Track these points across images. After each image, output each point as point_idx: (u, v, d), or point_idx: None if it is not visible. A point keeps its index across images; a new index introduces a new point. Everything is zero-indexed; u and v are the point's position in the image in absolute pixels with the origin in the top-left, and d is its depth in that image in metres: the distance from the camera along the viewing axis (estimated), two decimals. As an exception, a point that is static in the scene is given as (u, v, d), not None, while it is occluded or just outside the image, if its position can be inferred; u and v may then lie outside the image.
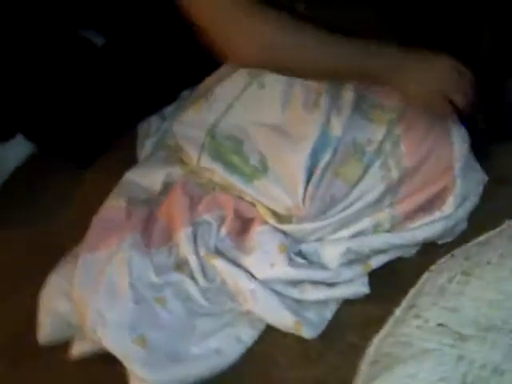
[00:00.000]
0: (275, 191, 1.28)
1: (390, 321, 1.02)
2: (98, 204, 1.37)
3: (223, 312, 1.26)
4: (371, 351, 1.00)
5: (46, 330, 1.26)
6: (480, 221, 1.31)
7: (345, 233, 1.28)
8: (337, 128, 1.29)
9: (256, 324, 1.24)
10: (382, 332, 1.01)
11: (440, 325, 0.97)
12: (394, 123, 1.29)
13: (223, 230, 1.29)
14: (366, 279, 1.26)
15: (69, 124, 1.48)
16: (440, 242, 1.29)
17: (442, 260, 1.07)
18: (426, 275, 1.06)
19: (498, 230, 1.07)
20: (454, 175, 1.28)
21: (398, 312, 1.03)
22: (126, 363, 1.17)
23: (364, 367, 0.99)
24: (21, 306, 1.31)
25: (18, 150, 1.53)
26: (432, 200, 1.28)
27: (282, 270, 1.23)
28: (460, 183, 1.28)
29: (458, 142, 1.29)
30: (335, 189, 1.27)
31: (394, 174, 1.27)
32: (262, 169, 1.30)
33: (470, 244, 1.07)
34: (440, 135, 1.30)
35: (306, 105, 1.33)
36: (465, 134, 1.32)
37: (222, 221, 1.31)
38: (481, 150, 1.38)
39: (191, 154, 1.36)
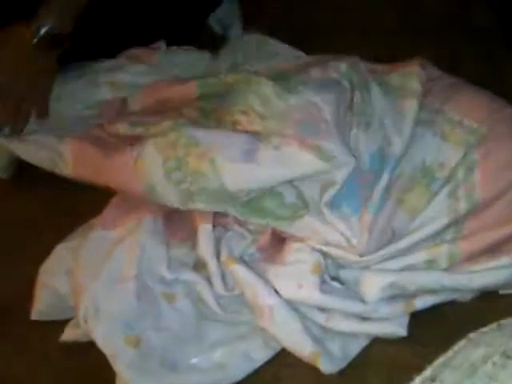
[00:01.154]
0: (323, 229, 1.09)
1: (406, 389, 0.85)
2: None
3: (238, 323, 1.11)
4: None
5: (41, 306, 1.14)
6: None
7: (394, 264, 1.11)
8: (396, 145, 1.10)
9: (271, 343, 1.09)
10: (393, 400, 0.84)
11: (458, 410, 0.80)
12: (472, 146, 1.10)
13: (253, 247, 1.15)
14: (405, 320, 1.10)
15: None
16: (502, 292, 1.12)
17: (486, 328, 0.88)
18: (462, 343, 0.87)
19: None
20: None
21: (417, 381, 0.86)
22: (113, 363, 1.04)
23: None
24: (21, 274, 1.20)
25: None
26: (501, 242, 1.09)
27: (310, 293, 1.07)
28: None
29: None
30: (398, 220, 1.11)
31: (463, 205, 1.10)
32: (303, 204, 1.11)
33: (521, 317, 0.88)
34: None
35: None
36: None
37: (255, 234, 1.15)
38: None
39: None
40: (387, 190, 1.10)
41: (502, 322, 0.89)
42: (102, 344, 1.05)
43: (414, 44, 1.48)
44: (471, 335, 0.89)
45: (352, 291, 1.10)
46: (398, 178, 1.12)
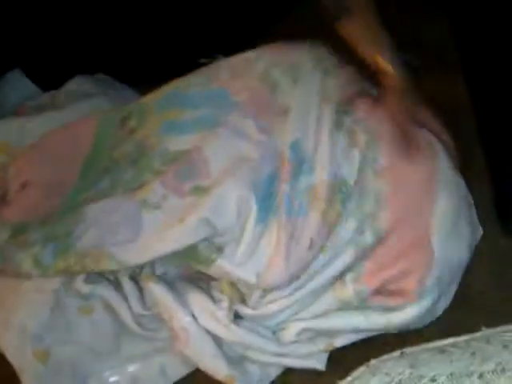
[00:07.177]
0: (233, 270, 1.04)
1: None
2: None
3: (156, 339, 1.09)
4: None
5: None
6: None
7: (306, 314, 1.07)
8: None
9: (188, 361, 1.07)
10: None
11: None
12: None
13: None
14: (325, 356, 1.08)
15: None
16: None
17: (388, 356, 0.86)
18: (361, 369, 0.85)
19: (468, 337, 0.84)
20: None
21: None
22: (21, 377, 1.02)
23: None
24: None
25: None
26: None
27: (226, 327, 1.05)
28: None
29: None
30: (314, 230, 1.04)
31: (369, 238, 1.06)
32: (216, 248, 1.05)
33: (426, 346, 0.86)
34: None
35: None
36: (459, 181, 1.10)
37: None
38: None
39: None
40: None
41: (406, 350, 0.87)
42: (11, 357, 1.02)
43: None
44: (371, 362, 0.87)
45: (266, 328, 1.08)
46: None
